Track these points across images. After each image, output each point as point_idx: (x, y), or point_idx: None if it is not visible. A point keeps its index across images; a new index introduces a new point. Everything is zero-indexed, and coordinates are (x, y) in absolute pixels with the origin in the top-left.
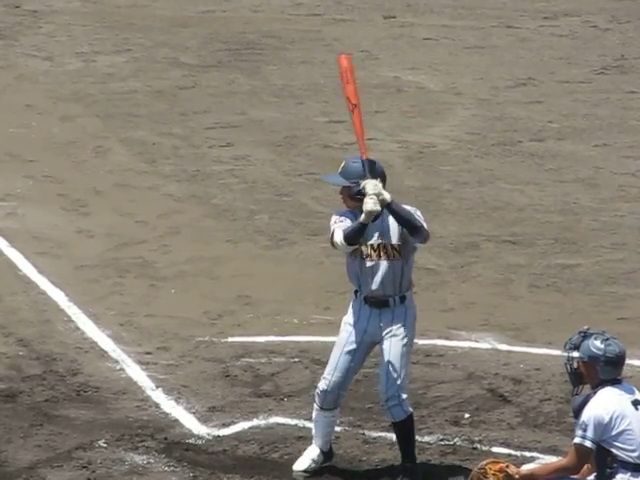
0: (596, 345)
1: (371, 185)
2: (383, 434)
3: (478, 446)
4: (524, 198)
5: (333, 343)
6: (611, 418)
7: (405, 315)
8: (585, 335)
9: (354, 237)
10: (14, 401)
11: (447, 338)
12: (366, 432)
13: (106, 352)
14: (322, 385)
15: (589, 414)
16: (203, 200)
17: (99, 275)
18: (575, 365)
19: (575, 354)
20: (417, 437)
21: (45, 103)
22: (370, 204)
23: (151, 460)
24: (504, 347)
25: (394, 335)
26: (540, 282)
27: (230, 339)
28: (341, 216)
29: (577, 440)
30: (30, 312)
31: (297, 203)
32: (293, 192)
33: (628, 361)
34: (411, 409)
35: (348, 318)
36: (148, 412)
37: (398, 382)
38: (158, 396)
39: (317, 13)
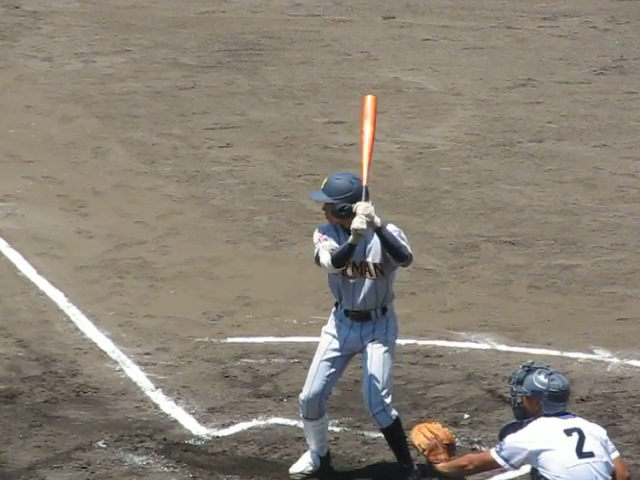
0: (540, 380)
1: (362, 207)
2: (382, 435)
3: (477, 447)
4: (523, 199)
5: None
6: (530, 452)
7: (387, 325)
8: (529, 369)
9: (342, 259)
10: (13, 402)
11: (446, 339)
12: (365, 433)
13: (105, 353)
14: (302, 395)
15: (510, 439)
16: (202, 201)
17: (98, 276)
18: (519, 400)
19: (519, 389)
20: None
21: (44, 104)
22: (357, 222)
23: (150, 461)
24: (503, 348)
25: (375, 343)
26: (539, 283)
27: (229, 340)
28: (324, 233)
29: (492, 449)
30: (29, 313)
31: (296, 204)
32: (292, 193)
33: (628, 361)
34: (396, 412)
35: (329, 328)
36: (147, 413)
37: (381, 390)
38: (157, 397)
39: (316, 14)
